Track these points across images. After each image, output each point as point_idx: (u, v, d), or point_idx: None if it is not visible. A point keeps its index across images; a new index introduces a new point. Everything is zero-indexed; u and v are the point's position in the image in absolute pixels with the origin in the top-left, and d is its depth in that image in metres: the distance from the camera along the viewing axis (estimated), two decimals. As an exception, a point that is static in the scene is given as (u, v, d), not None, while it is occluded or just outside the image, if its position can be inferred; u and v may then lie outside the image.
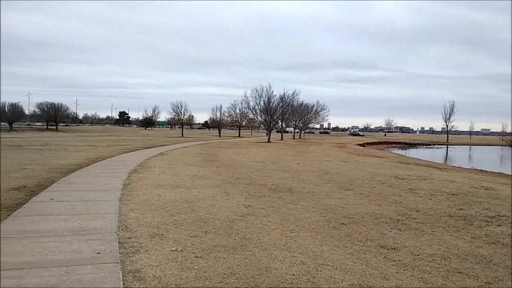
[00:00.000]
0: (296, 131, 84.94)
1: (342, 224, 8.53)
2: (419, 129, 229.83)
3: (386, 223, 8.72)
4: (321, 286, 5.07)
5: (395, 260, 6.24)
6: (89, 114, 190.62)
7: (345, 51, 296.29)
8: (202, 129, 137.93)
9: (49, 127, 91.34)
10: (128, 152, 28.13)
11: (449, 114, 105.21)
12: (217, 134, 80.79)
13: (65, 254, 5.94)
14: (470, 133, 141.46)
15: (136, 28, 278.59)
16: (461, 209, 10.37)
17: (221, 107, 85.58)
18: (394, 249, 6.85)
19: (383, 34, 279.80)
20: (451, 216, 9.55)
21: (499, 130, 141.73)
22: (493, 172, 26.57)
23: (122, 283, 4.93)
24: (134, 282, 4.97)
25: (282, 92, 64.06)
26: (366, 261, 6.15)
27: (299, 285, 5.06)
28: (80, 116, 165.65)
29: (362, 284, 5.23)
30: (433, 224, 8.70)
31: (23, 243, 6.43)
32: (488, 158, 50.33)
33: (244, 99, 64.82)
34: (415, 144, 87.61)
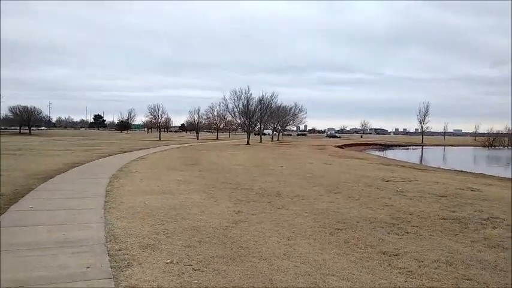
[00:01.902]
0: (274, 133, 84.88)
1: (338, 229, 8.28)
2: (394, 130, 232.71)
3: (382, 227, 8.51)
4: (331, 299, 4.79)
5: (400, 268, 6.01)
6: (63, 118, 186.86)
7: (324, 53, 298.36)
8: (179, 132, 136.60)
9: (22, 131, 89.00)
10: (107, 156, 27.42)
11: (424, 116, 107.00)
12: (195, 137, 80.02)
13: (51, 270, 5.49)
14: (444, 134, 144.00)
15: (116, 31, 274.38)
16: (453, 212, 10.25)
17: (199, 110, 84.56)
18: (396, 255, 6.62)
19: (361, 36, 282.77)
20: (445, 219, 9.41)
21: (471, 131, 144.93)
22: (473, 173, 26.87)
23: (117, 302, 4.55)
24: (131, 301, 4.59)
25: (261, 94, 63.97)
26: (371, 269, 5.90)
27: (308, 299, 4.77)
28: (54, 120, 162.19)
29: (372, 295, 4.97)
30: (429, 228, 8.53)
31: (4, 258, 5.95)
32: (464, 158, 51.18)
33: (223, 101, 64.43)
34: (391, 145, 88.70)
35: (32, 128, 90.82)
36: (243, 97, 58.99)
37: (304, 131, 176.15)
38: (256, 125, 66.38)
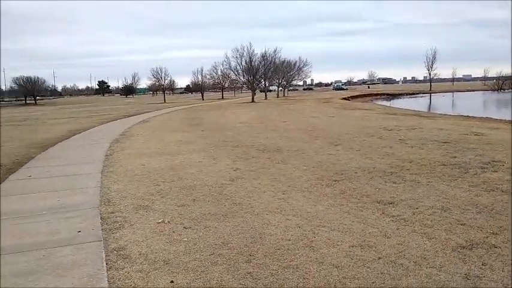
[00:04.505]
0: (280, 89, 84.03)
1: (335, 181, 8.21)
2: (402, 79, 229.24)
3: (380, 176, 8.42)
4: (320, 250, 4.75)
5: (394, 216, 5.94)
6: (68, 86, 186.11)
7: (327, 4, 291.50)
8: (184, 94, 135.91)
9: (27, 102, 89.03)
10: (110, 121, 27.40)
11: (432, 63, 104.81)
12: (200, 98, 79.58)
13: (43, 236, 5.51)
14: (452, 80, 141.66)
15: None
16: (454, 157, 10.11)
17: (202, 70, 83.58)
18: (391, 203, 6.56)
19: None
20: (445, 165, 9.29)
21: (480, 75, 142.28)
22: (480, 117, 26.50)
23: (105, 263, 4.55)
24: (118, 262, 4.59)
25: (263, 50, 62.89)
26: (363, 219, 5.84)
27: (296, 251, 4.73)
28: (59, 88, 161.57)
29: (362, 243, 4.92)
30: (428, 174, 8.43)
31: (-2, 226, 5.98)
32: (472, 103, 50.43)
33: (225, 60, 63.49)
34: (398, 94, 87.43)
35: (37, 98, 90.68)
36: (245, 54, 58.10)
37: (311, 85, 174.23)
38: (260, 82, 65.66)
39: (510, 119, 25.34)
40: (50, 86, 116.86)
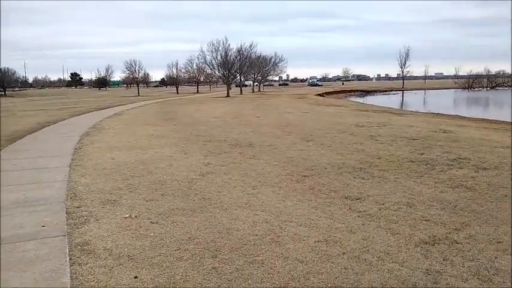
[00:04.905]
0: (255, 84, 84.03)
1: (305, 176, 8.27)
2: (376, 76, 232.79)
3: (349, 172, 8.52)
4: (286, 245, 4.79)
5: (360, 211, 6.03)
6: (40, 78, 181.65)
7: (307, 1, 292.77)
8: (159, 87, 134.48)
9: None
10: (81, 114, 26.90)
11: (405, 60, 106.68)
12: (175, 91, 78.89)
13: (6, 231, 5.37)
14: (424, 78, 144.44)
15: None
16: (422, 154, 10.32)
17: (177, 63, 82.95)
18: (358, 199, 6.65)
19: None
20: (412, 161, 9.47)
21: (452, 73, 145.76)
22: (449, 115, 27.11)
23: (68, 258, 4.48)
24: (82, 257, 4.52)
25: (239, 45, 62.72)
26: (330, 214, 5.91)
27: (262, 246, 4.76)
28: (30, 80, 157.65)
29: (328, 239, 4.98)
30: (395, 171, 8.57)
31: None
32: (443, 101, 51.51)
33: (201, 53, 63.13)
34: (372, 91, 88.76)
35: (7, 90, 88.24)
36: (220, 48, 57.87)
37: (287, 80, 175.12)
38: (235, 77, 65.52)
39: (479, 116, 25.99)
40: (21, 78, 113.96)
